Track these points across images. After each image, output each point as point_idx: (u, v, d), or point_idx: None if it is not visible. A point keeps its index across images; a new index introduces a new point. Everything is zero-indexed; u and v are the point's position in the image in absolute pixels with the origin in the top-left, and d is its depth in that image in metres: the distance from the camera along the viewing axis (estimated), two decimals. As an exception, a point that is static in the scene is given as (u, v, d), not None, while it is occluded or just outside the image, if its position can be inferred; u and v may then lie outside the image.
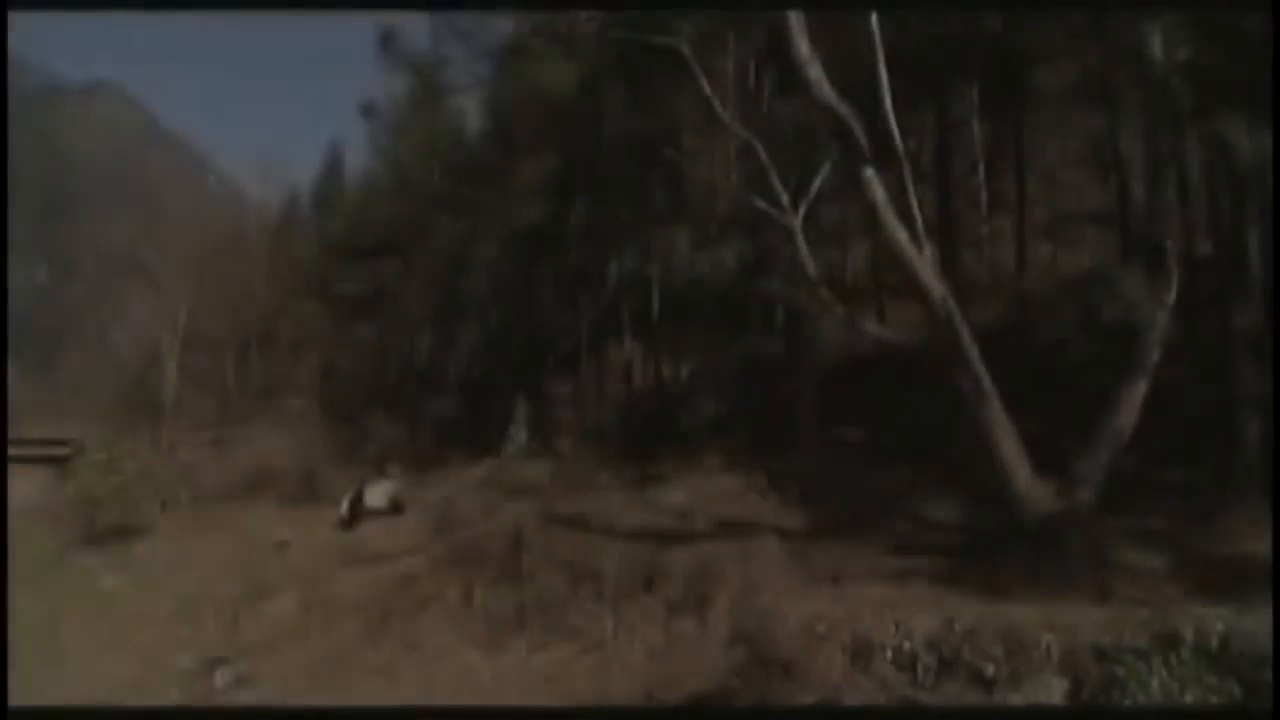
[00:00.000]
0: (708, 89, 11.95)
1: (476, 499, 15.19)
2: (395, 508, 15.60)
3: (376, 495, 15.80)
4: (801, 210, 10.08)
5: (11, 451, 28.02)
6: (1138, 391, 8.12)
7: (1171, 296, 8.09)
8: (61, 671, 11.52)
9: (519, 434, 16.52)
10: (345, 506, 15.70)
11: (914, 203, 8.57)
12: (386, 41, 35.14)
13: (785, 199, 9.95)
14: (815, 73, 9.06)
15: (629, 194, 25.68)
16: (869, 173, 8.72)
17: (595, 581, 9.68)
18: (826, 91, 8.96)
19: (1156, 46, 8.34)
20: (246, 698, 9.91)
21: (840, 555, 9.38)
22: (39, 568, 15.82)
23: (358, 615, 11.41)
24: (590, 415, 16.87)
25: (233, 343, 46.88)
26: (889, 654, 6.11)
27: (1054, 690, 5.59)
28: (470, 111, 37.71)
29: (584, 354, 26.33)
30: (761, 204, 10.33)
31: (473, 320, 39.36)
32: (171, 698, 10.37)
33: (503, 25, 26.56)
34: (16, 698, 10.82)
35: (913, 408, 14.44)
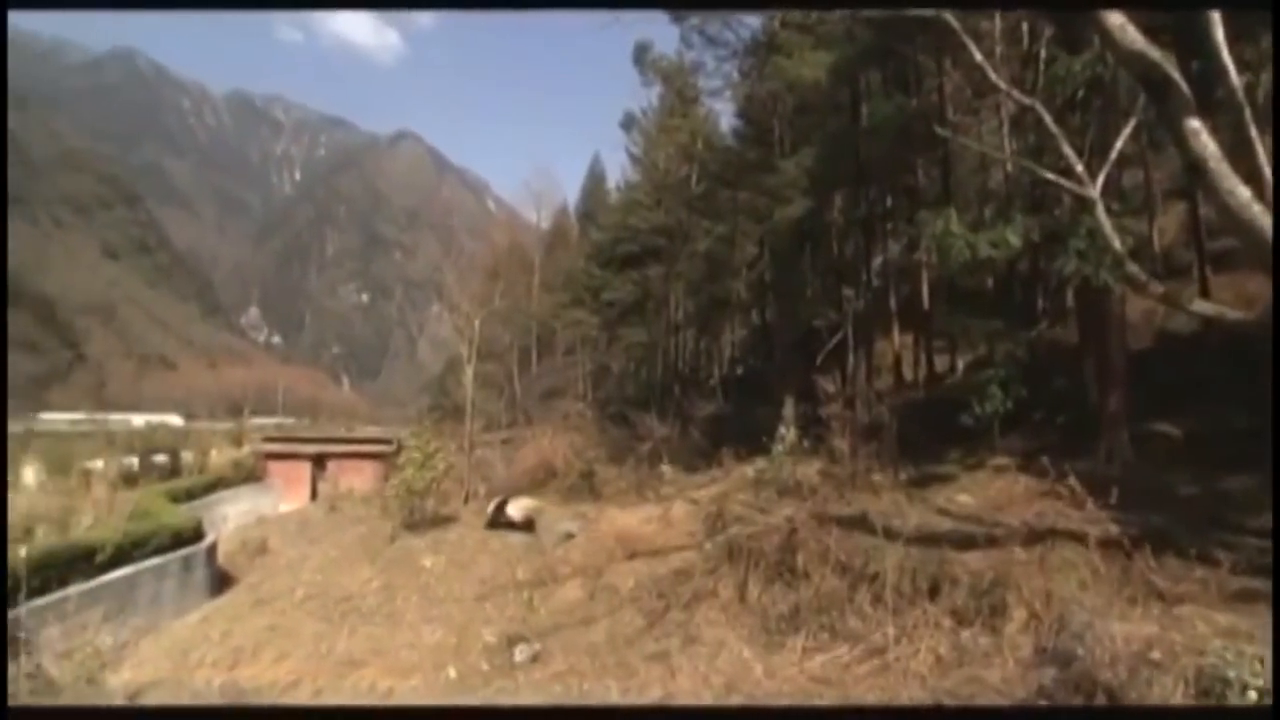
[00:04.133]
0: (978, 55, 10.96)
1: (748, 497, 15.30)
2: (527, 523, 17.70)
3: (515, 509, 18.41)
4: (1100, 177, 8.85)
5: (346, 449, 33.64)
6: None
7: None
8: (395, 633, 13.47)
9: (788, 432, 16.32)
10: (491, 510, 18.63)
11: (1260, 152, 7.13)
12: (640, 53, 36.74)
13: (1079, 166, 8.78)
14: (1116, 18, 7.88)
15: (893, 179, 24.41)
16: (1194, 124, 7.39)
17: (873, 585, 9.27)
18: (1133, 35, 7.74)
19: None
20: (540, 674, 10.68)
21: (1164, 571, 8.12)
22: (376, 546, 18.63)
23: (636, 606, 11.87)
24: (862, 412, 16.20)
25: (515, 351, 51.97)
26: (1252, 695, 5.10)
27: None
28: (724, 114, 38.41)
29: (852, 349, 25.41)
30: (1050, 175, 9.23)
31: (737, 319, 39.93)
32: (481, 666, 11.57)
33: (750, 24, 26.66)
34: (363, 651, 12.83)
35: (1249, 398, 12.21)
